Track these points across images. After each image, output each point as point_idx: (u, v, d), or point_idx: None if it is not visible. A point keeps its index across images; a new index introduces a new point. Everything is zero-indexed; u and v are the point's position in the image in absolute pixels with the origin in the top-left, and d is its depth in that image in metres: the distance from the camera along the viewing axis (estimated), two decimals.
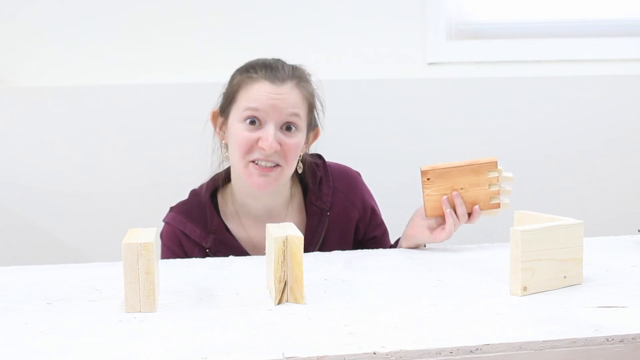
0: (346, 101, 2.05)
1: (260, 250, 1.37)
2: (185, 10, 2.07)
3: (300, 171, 1.41)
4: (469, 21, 2.19)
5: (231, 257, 1.26)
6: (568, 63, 2.20)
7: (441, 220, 1.30)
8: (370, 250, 1.34)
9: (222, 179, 1.43)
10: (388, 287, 1.01)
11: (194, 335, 0.80)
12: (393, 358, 0.73)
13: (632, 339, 0.77)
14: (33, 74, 2.04)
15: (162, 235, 1.40)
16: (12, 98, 2.01)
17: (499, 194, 1.30)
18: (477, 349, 0.74)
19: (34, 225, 2.04)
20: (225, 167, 1.44)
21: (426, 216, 1.30)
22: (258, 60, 1.36)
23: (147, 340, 0.78)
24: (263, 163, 1.29)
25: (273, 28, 2.08)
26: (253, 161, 1.30)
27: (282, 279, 0.92)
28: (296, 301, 0.92)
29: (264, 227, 1.31)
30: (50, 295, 0.99)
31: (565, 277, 0.99)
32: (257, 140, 1.29)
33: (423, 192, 1.29)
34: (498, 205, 1.30)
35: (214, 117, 1.41)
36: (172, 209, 1.42)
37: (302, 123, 1.34)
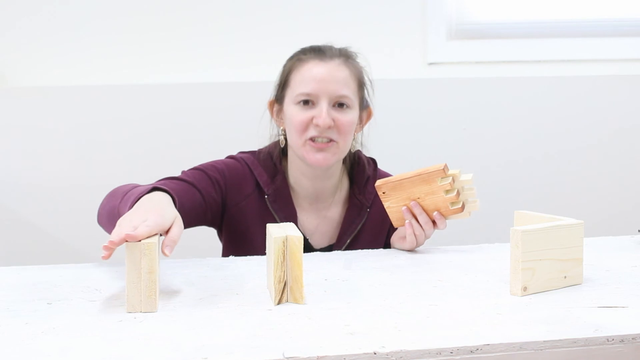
0: None
1: (302, 230, 1.40)
2: (185, 12, 2.07)
3: (354, 150, 1.46)
4: (469, 21, 2.19)
5: (231, 257, 1.26)
6: (568, 63, 2.20)
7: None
8: (370, 250, 1.34)
9: (279, 150, 1.45)
10: (388, 287, 1.01)
11: (194, 335, 0.80)
12: (393, 358, 0.73)
13: (632, 339, 0.77)
14: (33, 74, 2.04)
15: (221, 161, 1.42)
16: (12, 98, 2.02)
17: (457, 199, 1.25)
18: (477, 349, 0.74)
19: (35, 225, 2.04)
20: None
21: (395, 226, 1.34)
22: (307, 46, 1.42)
23: (147, 340, 0.78)
24: (319, 140, 1.34)
25: (273, 29, 2.08)
26: (310, 139, 1.35)
27: (281, 279, 0.92)
28: (296, 301, 0.92)
29: (310, 210, 1.44)
30: (50, 295, 0.99)
31: (565, 277, 0.99)
32: (312, 119, 1.34)
33: (384, 205, 1.31)
34: (461, 210, 1.26)
35: (271, 106, 1.45)
36: (240, 152, 1.46)
37: (354, 100, 1.38)
